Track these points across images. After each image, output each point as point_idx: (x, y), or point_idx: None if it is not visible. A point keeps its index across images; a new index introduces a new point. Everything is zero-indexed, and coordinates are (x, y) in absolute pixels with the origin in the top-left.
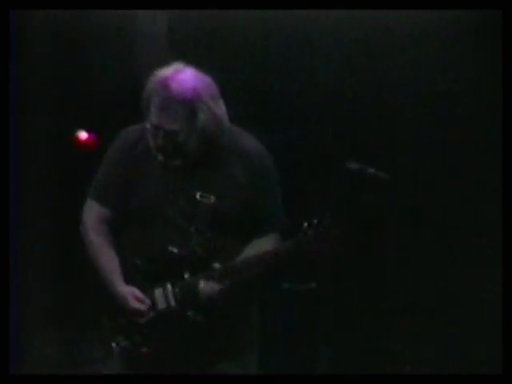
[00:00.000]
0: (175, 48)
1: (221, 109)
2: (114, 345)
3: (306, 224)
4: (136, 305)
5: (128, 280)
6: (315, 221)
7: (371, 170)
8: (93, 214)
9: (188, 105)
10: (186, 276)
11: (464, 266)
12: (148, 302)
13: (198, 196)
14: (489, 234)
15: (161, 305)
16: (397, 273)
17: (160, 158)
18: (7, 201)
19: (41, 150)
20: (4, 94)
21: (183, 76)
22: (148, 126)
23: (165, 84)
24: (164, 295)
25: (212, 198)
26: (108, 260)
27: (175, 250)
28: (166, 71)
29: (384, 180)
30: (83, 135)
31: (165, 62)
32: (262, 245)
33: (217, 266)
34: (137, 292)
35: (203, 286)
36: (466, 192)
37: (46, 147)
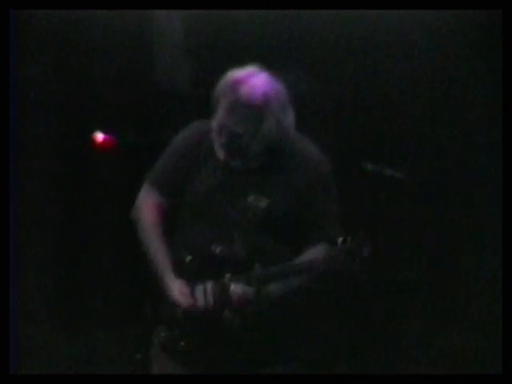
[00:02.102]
0: (192, 49)
1: (288, 117)
2: (155, 334)
3: (340, 239)
4: (180, 298)
5: (175, 273)
6: (349, 237)
7: (388, 171)
8: (149, 200)
9: (255, 110)
10: (227, 276)
11: (464, 266)
12: (191, 298)
13: (250, 199)
14: (489, 232)
15: (200, 302)
16: (397, 272)
17: (222, 156)
18: (16, 204)
19: (56, 152)
20: (5, 93)
21: (255, 80)
22: (214, 124)
23: (235, 86)
24: (204, 293)
25: (264, 202)
26: (160, 249)
27: (219, 249)
28: (239, 73)
29: (401, 181)
30: (99, 136)
31: (181, 63)
32: (311, 254)
33: (257, 268)
34: (183, 285)
35: (234, 287)
36: (465, 192)
37: (61, 149)
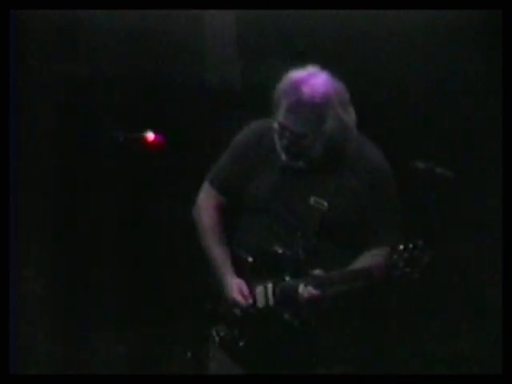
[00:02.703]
0: (244, 48)
1: (350, 116)
2: (214, 333)
3: (401, 247)
4: (239, 298)
5: (234, 272)
6: (411, 245)
7: (439, 169)
8: (210, 199)
9: (317, 110)
10: (287, 278)
11: (464, 266)
12: (251, 298)
13: (311, 201)
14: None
15: (260, 303)
16: None
17: (283, 157)
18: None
19: (109, 151)
20: (5, 93)
21: (315, 80)
22: (275, 125)
23: (296, 86)
24: (264, 294)
25: (325, 205)
26: (219, 246)
27: (279, 251)
28: (300, 73)
29: (451, 179)
30: (150, 136)
31: (233, 61)
32: (372, 258)
33: (317, 272)
34: (243, 285)
35: (302, 290)
36: (465, 192)
37: (112, 148)
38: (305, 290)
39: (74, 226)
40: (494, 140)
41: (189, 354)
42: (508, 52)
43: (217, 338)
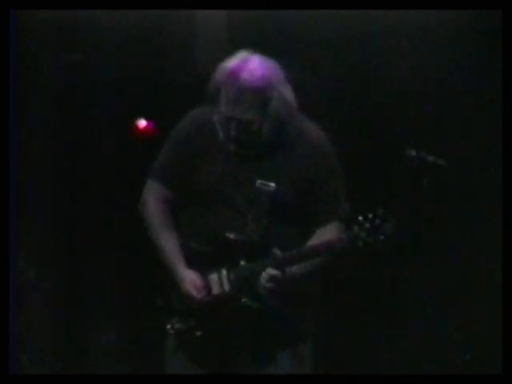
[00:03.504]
0: (235, 37)
1: (290, 93)
2: (168, 327)
3: (360, 217)
4: (192, 290)
5: (185, 263)
6: (370, 215)
7: (431, 158)
8: (154, 193)
9: (260, 93)
10: (242, 263)
11: (464, 266)
12: (204, 287)
13: (258, 183)
14: (489, 231)
15: (215, 290)
16: (396, 271)
17: (232, 147)
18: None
19: (99, 139)
20: (5, 93)
21: (252, 65)
22: (217, 117)
23: (235, 75)
24: (218, 280)
25: (272, 186)
26: (169, 241)
27: (232, 236)
28: (233, 61)
29: (443, 167)
30: (142, 123)
31: (225, 50)
32: (324, 234)
33: (278, 253)
34: (195, 277)
35: (265, 272)
36: (465, 192)
37: (104, 136)
38: (267, 271)
39: (73, 220)
40: (493, 140)
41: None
42: (508, 52)
43: (172, 331)
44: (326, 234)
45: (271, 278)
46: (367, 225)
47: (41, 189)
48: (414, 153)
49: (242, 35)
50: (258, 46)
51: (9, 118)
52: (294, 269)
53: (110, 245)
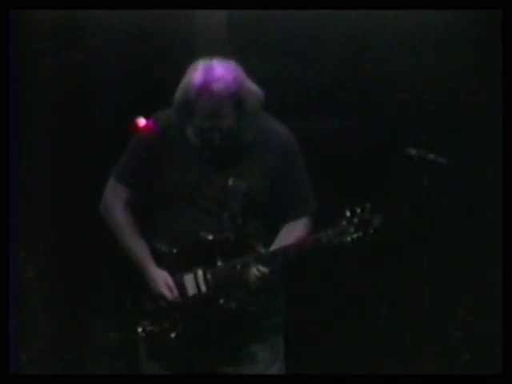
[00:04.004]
0: (235, 37)
1: (255, 86)
2: (139, 329)
3: (348, 212)
4: (165, 290)
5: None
6: (358, 209)
7: (431, 156)
8: (117, 194)
9: (236, 96)
10: (219, 263)
11: (464, 266)
12: (177, 288)
13: (230, 182)
14: (490, 231)
15: (191, 290)
16: (395, 271)
17: (208, 153)
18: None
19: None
20: (5, 93)
21: (218, 72)
22: (191, 130)
23: (206, 88)
24: (195, 281)
25: (243, 184)
26: (136, 241)
27: (209, 237)
28: (198, 76)
29: (443, 165)
30: (141, 121)
31: (225, 50)
32: (295, 229)
33: (262, 250)
34: (168, 277)
35: (254, 269)
36: (465, 192)
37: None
38: (253, 269)
39: (73, 220)
40: (493, 140)
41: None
42: (508, 52)
43: (143, 334)
44: (296, 229)
45: (263, 275)
46: (356, 220)
47: (41, 188)
48: (414, 151)
49: (242, 35)
50: (258, 45)
51: (9, 117)
52: (275, 266)
53: (110, 244)
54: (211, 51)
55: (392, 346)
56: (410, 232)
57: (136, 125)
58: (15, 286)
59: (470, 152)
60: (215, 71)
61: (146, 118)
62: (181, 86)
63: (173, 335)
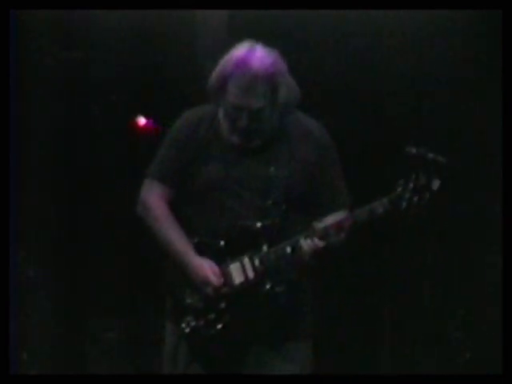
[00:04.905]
0: (236, 35)
1: (294, 82)
2: (183, 326)
3: (401, 180)
4: (211, 276)
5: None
6: (413, 175)
7: (431, 155)
8: (154, 192)
9: (270, 80)
10: (264, 248)
11: (465, 266)
12: (222, 277)
13: (271, 170)
14: (490, 232)
15: (238, 279)
16: (395, 272)
17: (236, 140)
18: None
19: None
20: (5, 93)
21: (259, 53)
22: (223, 108)
23: (244, 63)
24: (241, 268)
25: (284, 173)
26: (178, 234)
27: (258, 225)
28: (239, 51)
29: (443, 164)
30: (142, 121)
31: (225, 50)
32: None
33: (315, 224)
34: (213, 264)
35: (304, 243)
36: (465, 192)
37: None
38: (307, 242)
39: (73, 219)
40: (493, 140)
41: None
42: (508, 52)
43: (187, 330)
44: (338, 216)
45: (316, 249)
46: (411, 185)
47: (41, 188)
48: (413, 150)
49: (242, 35)
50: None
51: (9, 117)
52: (333, 239)
53: (110, 244)
54: (211, 51)
55: (392, 345)
56: (410, 232)
57: (136, 124)
58: (15, 285)
59: (469, 149)
60: (256, 51)
61: (146, 117)
62: (220, 62)
63: (219, 326)
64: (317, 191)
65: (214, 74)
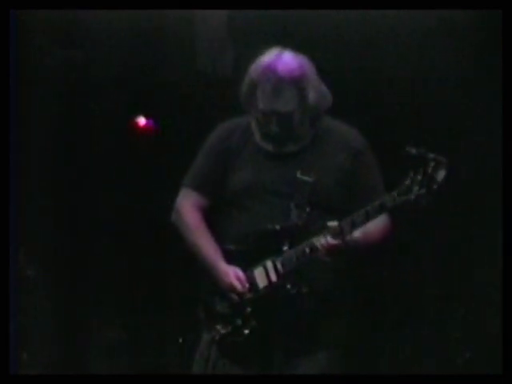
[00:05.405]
0: (236, 35)
1: (324, 86)
2: (214, 333)
3: (411, 172)
4: (235, 282)
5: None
6: (421, 168)
7: (431, 155)
8: (188, 201)
9: (298, 84)
10: (285, 248)
11: (464, 266)
12: (247, 281)
13: (298, 174)
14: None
15: (262, 283)
16: (395, 272)
17: (270, 147)
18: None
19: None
20: (5, 93)
21: (286, 58)
22: (254, 115)
23: (271, 68)
24: (264, 273)
25: (312, 177)
26: (208, 241)
27: (277, 227)
28: (267, 57)
29: (443, 164)
30: (142, 121)
31: (225, 51)
32: (370, 226)
33: (332, 223)
34: (238, 270)
35: (317, 242)
36: (465, 192)
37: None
38: (319, 241)
39: (73, 219)
40: (493, 139)
41: (180, 340)
42: (508, 52)
43: (217, 337)
44: (371, 225)
45: (332, 247)
46: (419, 177)
47: (41, 188)
48: (413, 150)
49: (242, 35)
50: (258, 45)
51: (9, 117)
52: (356, 233)
53: (110, 243)
54: (211, 51)
55: (392, 345)
56: (410, 232)
57: (136, 124)
58: (15, 285)
59: (469, 149)
60: (283, 56)
61: (146, 117)
62: (249, 70)
63: (246, 332)
64: (353, 195)
65: (244, 82)
